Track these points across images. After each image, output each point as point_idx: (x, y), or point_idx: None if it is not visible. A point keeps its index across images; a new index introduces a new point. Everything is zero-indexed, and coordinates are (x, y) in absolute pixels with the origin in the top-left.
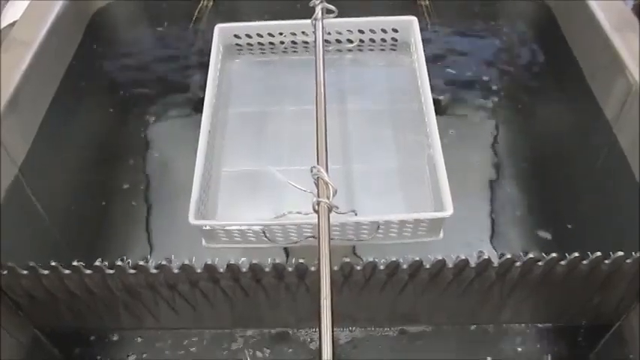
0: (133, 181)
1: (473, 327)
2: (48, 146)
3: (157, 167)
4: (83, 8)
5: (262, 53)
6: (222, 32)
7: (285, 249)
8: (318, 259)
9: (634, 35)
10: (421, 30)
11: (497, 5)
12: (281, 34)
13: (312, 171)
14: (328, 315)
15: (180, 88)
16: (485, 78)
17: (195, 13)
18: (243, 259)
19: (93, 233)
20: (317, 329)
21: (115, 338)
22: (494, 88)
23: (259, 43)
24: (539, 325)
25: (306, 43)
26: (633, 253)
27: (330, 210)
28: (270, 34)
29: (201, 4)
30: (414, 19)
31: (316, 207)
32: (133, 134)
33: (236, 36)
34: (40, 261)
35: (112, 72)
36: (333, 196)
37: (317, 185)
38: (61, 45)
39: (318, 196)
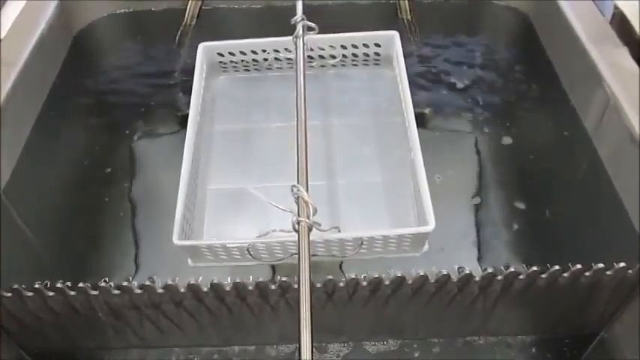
0: (118, 201)
1: (458, 340)
2: (32, 167)
3: (142, 186)
4: (67, 27)
5: (246, 70)
6: (205, 50)
7: (273, 266)
8: (298, 279)
9: (611, 47)
10: (403, 44)
11: (478, 19)
12: (264, 51)
13: (292, 190)
14: (308, 334)
15: (165, 106)
16: (467, 90)
17: (179, 32)
18: (228, 278)
19: (79, 253)
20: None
21: (102, 357)
22: (476, 100)
23: (243, 61)
24: (524, 337)
25: (290, 59)
26: (615, 264)
27: (310, 229)
28: (253, 52)
29: (184, 23)
30: (395, 33)
31: (296, 226)
32: (118, 153)
33: (219, 54)
34: (24, 282)
35: (96, 91)
36: (314, 214)
37: (297, 204)
38: (45, 64)
39: (299, 215)
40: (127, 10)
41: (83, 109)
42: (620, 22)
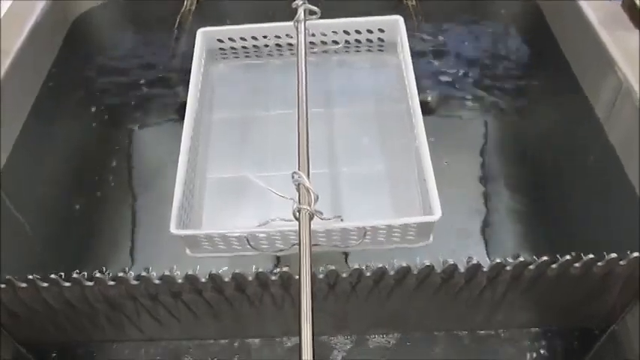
0: (115, 190)
1: (464, 333)
2: (27, 156)
3: (141, 175)
4: (63, 15)
5: (247, 57)
6: (204, 36)
7: (275, 256)
8: (299, 269)
9: (623, 31)
10: (408, 30)
11: (485, 4)
12: (265, 37)
13: (293, 177)
14: (309, 327)
15: (164, 94)
16: (473, 78)
17: (178, 18)
18: (224, 268)
19: (75, 243)
20: None
21: (100, 350)
22: (483, 88)
23: (243, 47)
24: (533, 330)
25: (291, 45)
26: (628, 253)
27: (311, 217)
28: (253, 38)
29: (183, 9)
30: (399, 18)
31: (297, 214)
32: (115, 142)
33: (219, 40)
34: (20, 273)
35: (93, 79)
36: (315, 202)
37: (298, 191)
38: (41, 52)
39: (299, 203)
40: None
41: (80, 97)
42: (629, 9)
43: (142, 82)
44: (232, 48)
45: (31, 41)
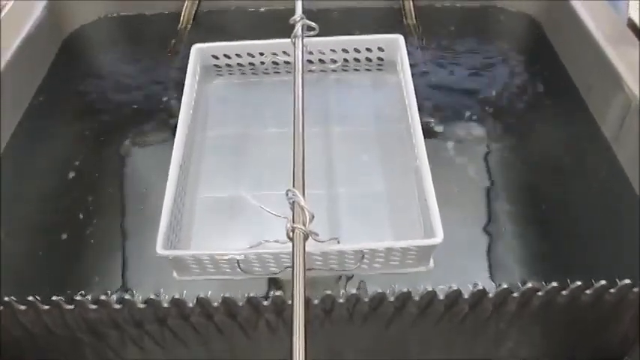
0: (104, 210)
1: None
2: (12, 172)
3: (130, 194)
4: (56, 30)
5: (242, 74)
6: (199, 52)
7: (273, 280)
8: (292, 293)
9: (629, 47)
10: (408, 50)
11: (486, 23)
12: (261, 54)
13: (287, 194)
14: (301, 356)
15: (158, 112)
16: (475, 98)
17: (177, 36)
18: (210, 292)
19: (59, 265)
20: None
21: None
22: (485, 108)
23: (239, 64)
24: None
25: (288, 63)
26: None
27: (306, 237)
28: (249, 54)
29: (179, 26)
30: (400, 37)
31: (291, 234)
32: (106, 160)
33: (214, 56)
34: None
35: (84, 96)
36: (310, 221)
37: (292, 210)
38: (31, 68)
39: (293, 222)
40: (119, 14)
41: (69, 116)
42: (633, 28)
43: (135, 99)
44: (228, 65)
45: (22, 57)
